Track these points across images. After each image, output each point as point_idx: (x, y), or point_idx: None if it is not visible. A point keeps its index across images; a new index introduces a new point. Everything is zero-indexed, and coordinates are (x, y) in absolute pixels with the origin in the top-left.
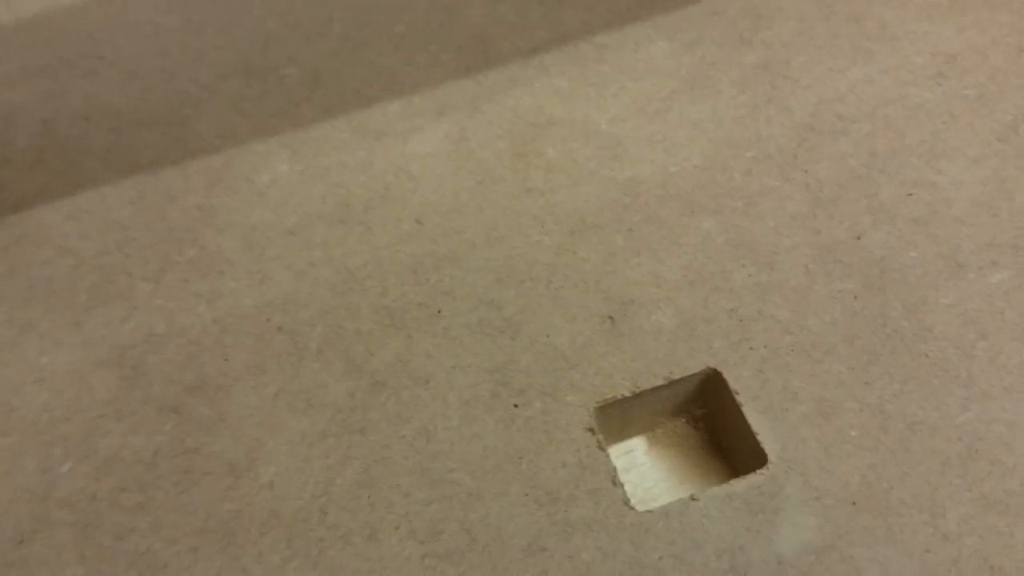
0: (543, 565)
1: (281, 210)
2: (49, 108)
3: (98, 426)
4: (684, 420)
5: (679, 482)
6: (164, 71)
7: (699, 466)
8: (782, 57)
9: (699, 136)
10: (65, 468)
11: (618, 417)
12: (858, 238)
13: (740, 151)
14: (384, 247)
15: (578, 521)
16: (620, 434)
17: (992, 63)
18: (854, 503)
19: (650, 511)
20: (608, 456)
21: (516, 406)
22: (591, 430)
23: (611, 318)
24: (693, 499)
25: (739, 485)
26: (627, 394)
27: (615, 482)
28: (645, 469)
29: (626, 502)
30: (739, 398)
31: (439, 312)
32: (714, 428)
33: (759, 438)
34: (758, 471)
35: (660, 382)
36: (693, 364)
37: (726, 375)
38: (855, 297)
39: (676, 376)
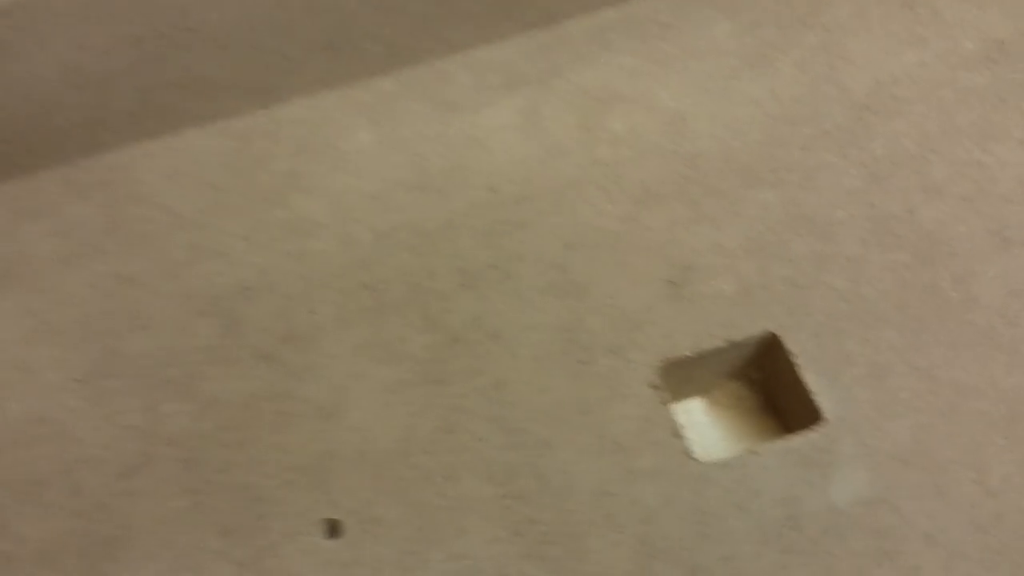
0: (609, 508)
1: (363, 176)
2: (144, 76)
3: (199, 370)
4: (741, 383)
5: (737, 440)
6: (253, 44)
7: (755, 425)
8: (839, 39)
9: (758, 113)
10: (169, 408)
11: (679, 376)
12: (911, 213)
13: (798, 128)
14: (459, 213)
15: (642, 469)
16: (681, 393)
17: None
18: (904, 460)
19: (712, 462)
20: (670, 411)
21: (583, 362)
22: (654, 387)
23: (673, 283)
24: (753, 452)
25: (796, 441)
26: (688, 355)
27: (677, 435)
28: (704, 427)
29: (688, 453)
30: (796, 360)
31: (510, 274)
32: (770, 391)
33: (815, 398)
34: (814, 428)
35: (720, 344)
36: (752, 328)
37: (784, 339)
38: (907, 268)
39: (736, 339)
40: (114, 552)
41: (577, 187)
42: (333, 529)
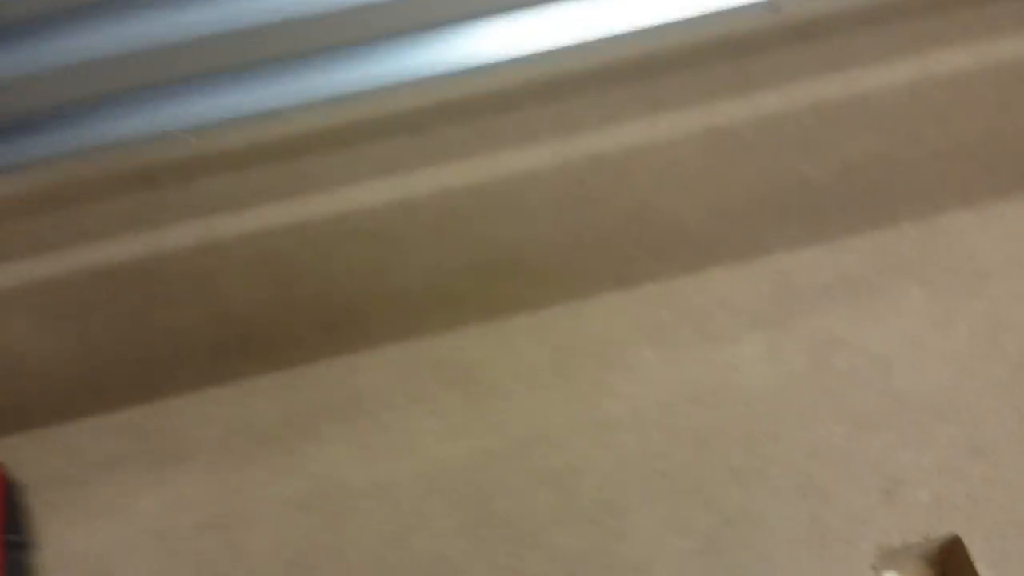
0: None
1: (651, 385)
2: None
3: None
4: None
5: None
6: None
7: None
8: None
9: (945, 361)
10: (529, 555)
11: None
12: None
13: (974, 377)
14: (726, 420)
15: None
16: None
17: None
18: None
19: None
20: None
21: (822, 547)
22: (874, 568)
23: (887, 491)
24: None
25: None
26: (896, 546)
27: None
28: None
29: None
30: (978, 564)
31: (766, 475)
32: None
33: None
34: None
35: (919, 540)
36: (939, 530)
37: (968, 543)
38: None
39: (930, 537)
40: None
41: (812, 408)
42: None
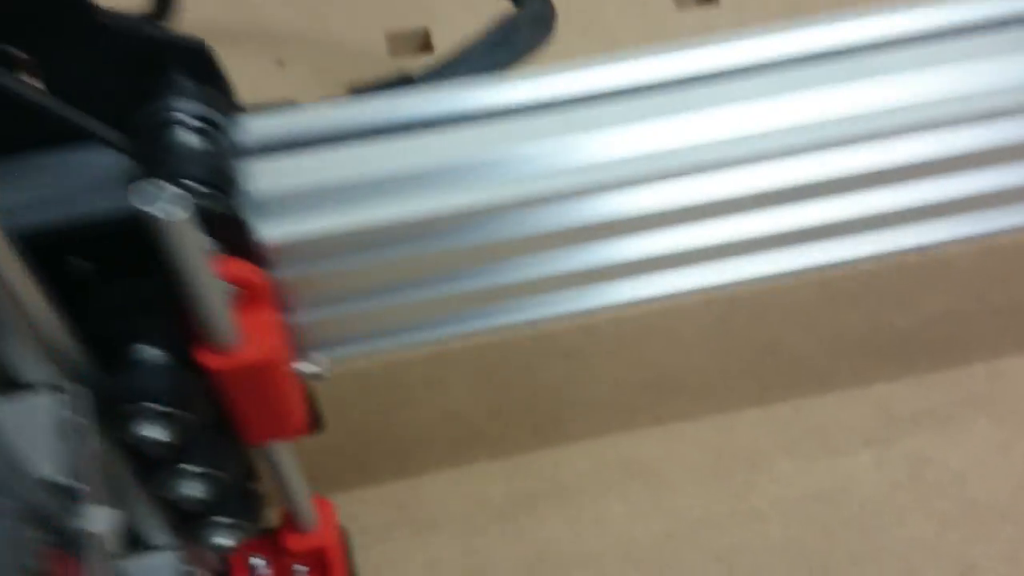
0: None
1: (789, 485)
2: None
3: None
4: None
5: None
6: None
7: None
8: None
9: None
10: None
11: None
12: None
13: None
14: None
15: None
16: None
17: None
18: None
19: None
20: None
21: None
22: None
23: None
24: None
25: None
26: None
27: None
28: None
29: None
30: None
31: None
32: None
33: None
34: None
35: None
36: None
37: None
38: None
39: None
40: None
41: (909, 510)
42: None
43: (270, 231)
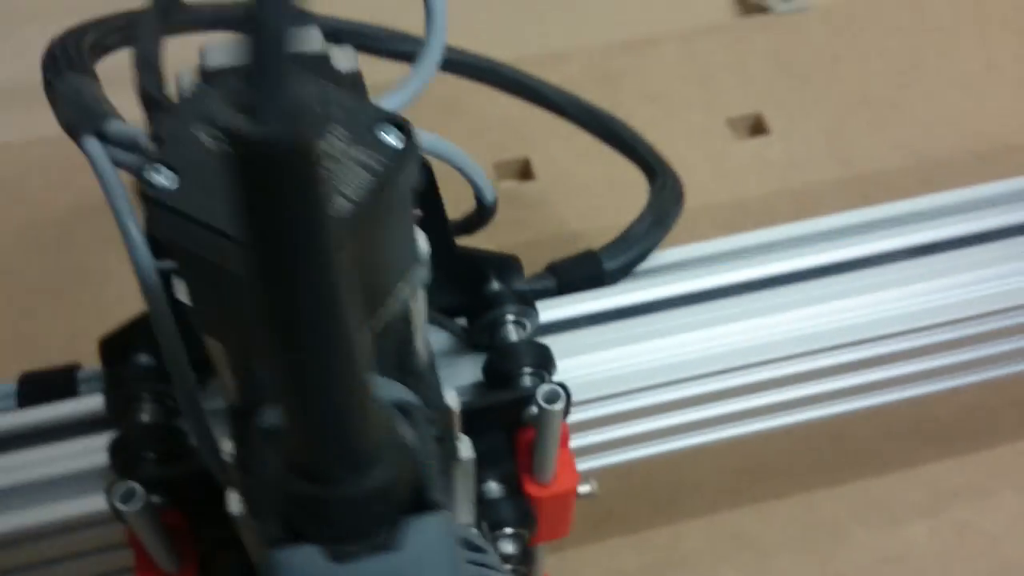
0: None
1: None
2: None
3: None
4: None
5: None
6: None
7: None
8: None
9: None
10: None
11: None
12: None
13: None
14: None
15: None
16: None
17: None
18: None
19: None
20: None
21: None
22: None
23: None
24: None
25: None
26: None
27: None
28: None
29: None
30: None
31: None
32: None
33: None
34: None
35: None
36: None
37: None
38: None
39: None
40: None
41: (959, 567)
42: None
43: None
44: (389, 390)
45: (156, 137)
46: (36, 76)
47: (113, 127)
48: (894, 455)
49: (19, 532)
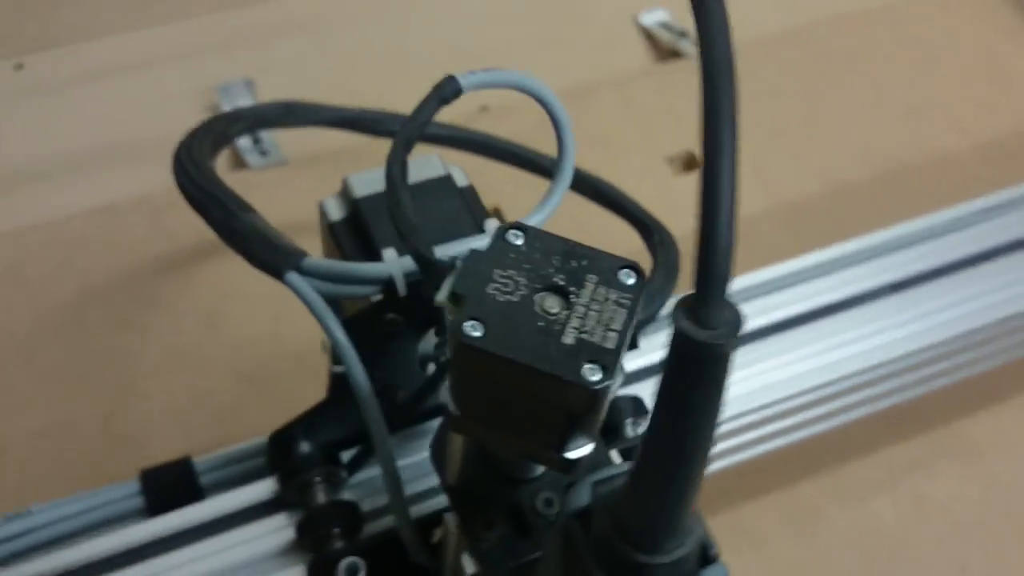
0: None
1: None
2: None
3: None
4: None
5: None
6: None
7: None
8: None
9: None
10: None
11: None
12: None
13: None
14: None
15: None
16: None
17: None
18: None
19: None
20: None
21: None
22: None
23: None
24: None
25: None
26: None
27: None
28: None
29: None
30: None
31: None
32: None
33: None
34: None
35: None
36: None
37: None
38: None
39: None
40: None
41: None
42: None
43: None
44: None
45: (455, 295)
46: (15, 162)
47: (308, 263)
48: (857, 440)
49: None
